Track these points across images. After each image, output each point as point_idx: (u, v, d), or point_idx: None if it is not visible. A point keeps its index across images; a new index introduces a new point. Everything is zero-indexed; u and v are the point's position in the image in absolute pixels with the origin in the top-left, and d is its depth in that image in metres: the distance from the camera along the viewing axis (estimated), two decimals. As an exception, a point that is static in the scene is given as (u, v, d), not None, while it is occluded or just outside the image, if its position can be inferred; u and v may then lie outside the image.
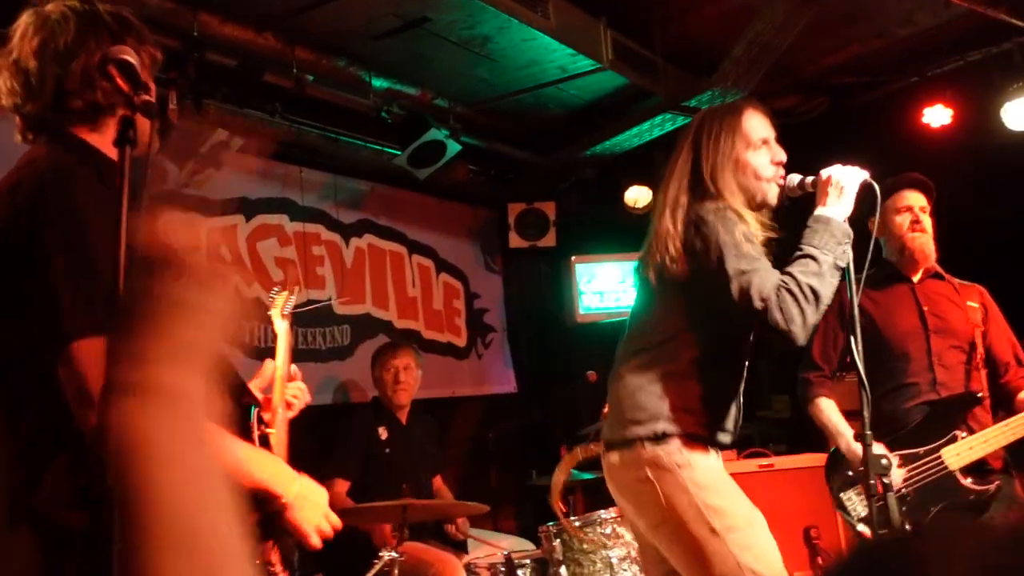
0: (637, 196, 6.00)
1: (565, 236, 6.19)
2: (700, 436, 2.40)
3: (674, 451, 2.36)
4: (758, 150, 2.51)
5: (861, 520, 3.14)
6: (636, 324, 2.57)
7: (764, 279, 2.30)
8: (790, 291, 2.27)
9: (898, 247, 3.32)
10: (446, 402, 5.83)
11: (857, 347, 2.37)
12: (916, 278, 3.36)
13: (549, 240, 6.09)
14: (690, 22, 4.86)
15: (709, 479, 2.38)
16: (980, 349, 3.29)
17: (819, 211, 2.41)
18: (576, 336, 6.16)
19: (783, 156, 2.55)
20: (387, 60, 4.77)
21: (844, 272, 2.39)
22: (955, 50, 5.14)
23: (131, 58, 1.47)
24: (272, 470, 1.77)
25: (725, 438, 2.48)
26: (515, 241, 6.09)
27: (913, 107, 5.42)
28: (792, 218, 2.53)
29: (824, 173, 2.44)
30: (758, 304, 2.27)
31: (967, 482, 3.13)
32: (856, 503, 3.18)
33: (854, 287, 2.38)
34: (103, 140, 1.68)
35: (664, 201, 2.51)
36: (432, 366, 5.65)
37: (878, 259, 3.37)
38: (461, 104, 5.36)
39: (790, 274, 2.31)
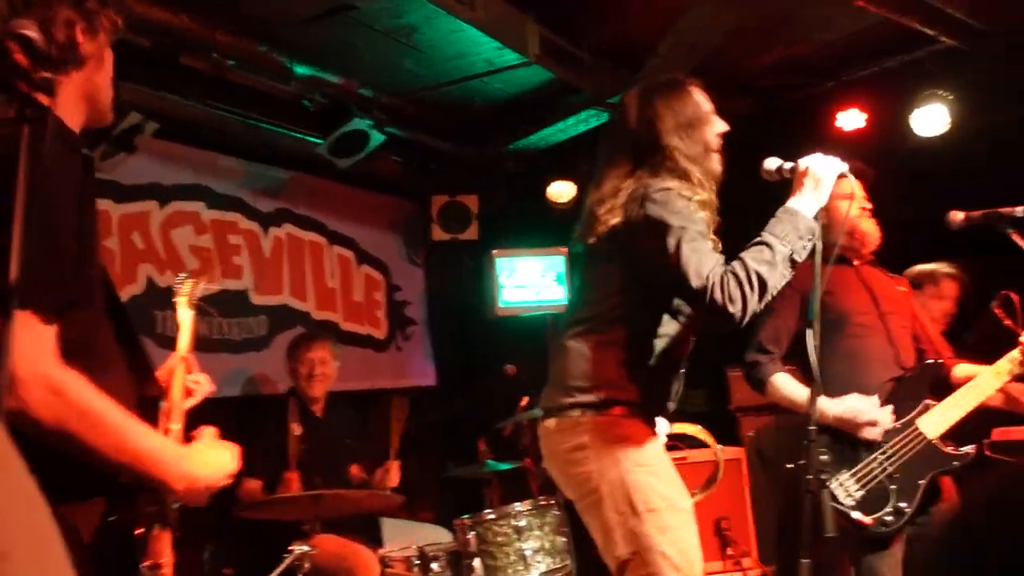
0: (560, 191, 6.02)
1: (488, 229, 6.18)
2: (641, 406, 2.41)
3: (614, 423, 2.37)
4: (705, 123, 2.53)
5: (853, 508, 3.06)
6: (580, 296, 2.59)
7: (704, 258, 2.29)
8: (736, 274, 2.27)
9: (847, 232, 3.33)
10: (365, 395, 5.77)
11: (815, 340, 2.37)
12: (857, 263, 3.42)
13: (472, 233, 6.07)
14: (618, 19, 4.88)
15: (643, 457, 2.38)
16: (917, 331, 3.41)
17: (790, 202, 2.42)
18: (497, 329, 6.16)
19: (725, 127, 2.57)
20: (310, 47, 4.67)
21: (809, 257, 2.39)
22: (872, 56, 5.27)
23: (31, 32, 1.40)
24: (158, 448, 1.66)
25: (663, 412, 2.52)
26: (438, 234, 6.05)
27: (829, 110, 5.55)
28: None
29: (802, 163, 2.45)
30: (696, 283, 2.27)
31: (948, 449, 3.18)
32: (850, 488, 3.08)
33: (818, 280, 2.38)
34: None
35: (606, 174, 2.51)
36: (351, 358, 5.58)
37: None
38: (386, 94, 5.29)
39: (741, 259, 2.31)
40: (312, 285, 5.65)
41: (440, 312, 6.50)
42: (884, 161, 3.99)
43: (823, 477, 2.27)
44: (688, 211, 2.35)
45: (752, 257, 2.30)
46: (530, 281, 5.93)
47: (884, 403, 3.16)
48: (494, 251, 6.00)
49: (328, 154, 5.10)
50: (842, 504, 3.05)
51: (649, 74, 4.75)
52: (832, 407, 3.11)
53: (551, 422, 2.46)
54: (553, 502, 3.97)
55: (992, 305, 3.40)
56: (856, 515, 3.02)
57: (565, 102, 5.42)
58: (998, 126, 5.54)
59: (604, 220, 2.44)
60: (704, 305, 2.29)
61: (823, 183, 2.41)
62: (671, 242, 2.29)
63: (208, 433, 1.89)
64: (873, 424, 3.09)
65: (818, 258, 2.39)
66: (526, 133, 5.70)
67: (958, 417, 3.17)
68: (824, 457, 2.31)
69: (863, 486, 3.06)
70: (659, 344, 2.45)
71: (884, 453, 3.11)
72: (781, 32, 4.99)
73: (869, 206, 3.37)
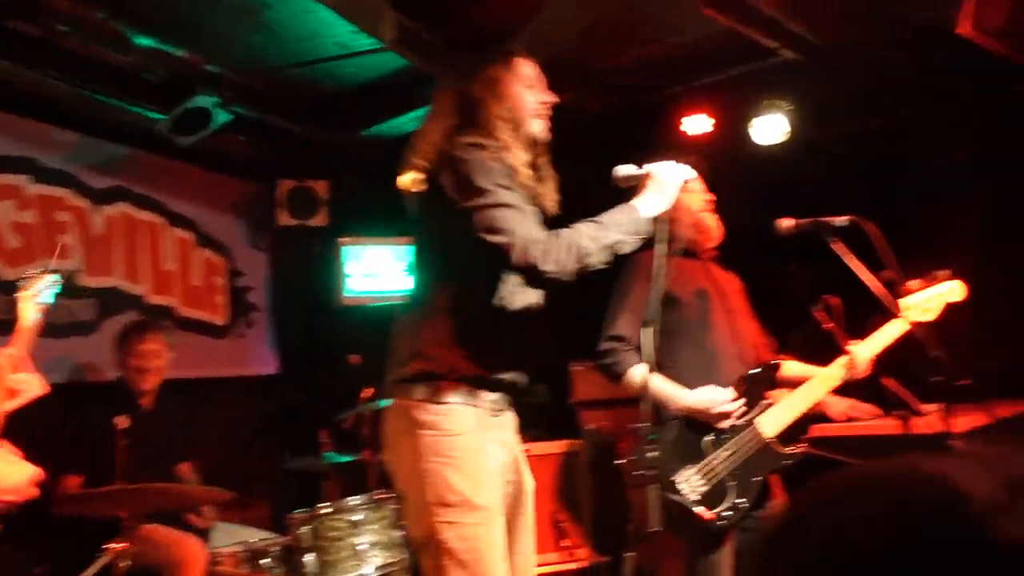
0: (412, 180, 5.94)
1: (338, 216, 6.03)
2: (466, 378, 2.37)
3: (422, 407, 2.33)
4: (529, 87, 2.56)
5: (697, 503, 3.11)
6: (415, 266, 2.60)
7: (512, 216, 2.30)
8: (560, 237, 2.30)
9: (692, 224, 3.43)
10: (201, 383, 5.54)
11: (653, 339, 2.41)
12: (703, 258, 3.51)
13: (320, 219, 5.92)
14: (476, 9, 4.85)
15: (446, 447, 2.33)
16: (754, 329, 3.54)
17: (634, 200, 2.46)
18: (343, 319, 6.04)
19: (552, 98, 2.60)
20: (153, 17, 4.43)
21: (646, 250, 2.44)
22: (719, 64, 5.43)
23: None
24: None
25: (497, 374, 2.43)
26: (284, 219, 5.87)
27: (678, 114, 5.70)
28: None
29: (647, 168, 2.50)
30: (501, 239, 2.27)
31: (783, 448, 3.29)
32: (695, 483, 3.13)
33: (658, 278, 2.42)
34: None
35: (427, 131, 2.54)
36: (187, 345, 5.35)
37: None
38: (234, 71, 5.07)
39: (574, 228, 2.34)
40: (147, 267, 5.38)
41: (285, 299, 6.32)
42: (726, 167, 4.12)
43: (654, 473, 2.30)
44: (497, 170, 2.35)
45: (584, 229, 2.34)
46: (378, 270, 5.84)
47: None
48: (341, 239, 5.87)
49: (169, 131, 4.86)
50: (686, 499, 3.12)
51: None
52: (688, 397, 3.19)
53: (387, 405, 2.47)
54: (391, 495, 3.91)
55: (814, 309, 3.56)
56: (699, 510, 3.10)
57: (421, 91, 5.34)
58: (831, 138, 5.84)
59: (420, 181, 2.47)
60: (512, 260, 2.29)
61: (667, 189, 2.46)
62: (479, 200, 2.30)
63: (3, 448, 1.74)
64: (727, 415, 3.18)
65: (660, 257, 2.43)
66: (380, 120, 5.59)
67: (792, 418, 3.31)
68: (653, 454, 2.34)
69: (707, 482, 3.15)
70: (491, 308, 2.42)
71: (727, 450, 3.20)
72: (635, 34, 5.08)
73: (712, 197, 3.47)
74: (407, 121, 5.55)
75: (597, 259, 2.33)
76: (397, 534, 3.89)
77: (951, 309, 3.52)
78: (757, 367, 3.35)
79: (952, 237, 5.50)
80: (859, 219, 3.01)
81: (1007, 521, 0.72)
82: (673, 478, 3.14)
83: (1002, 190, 5.92)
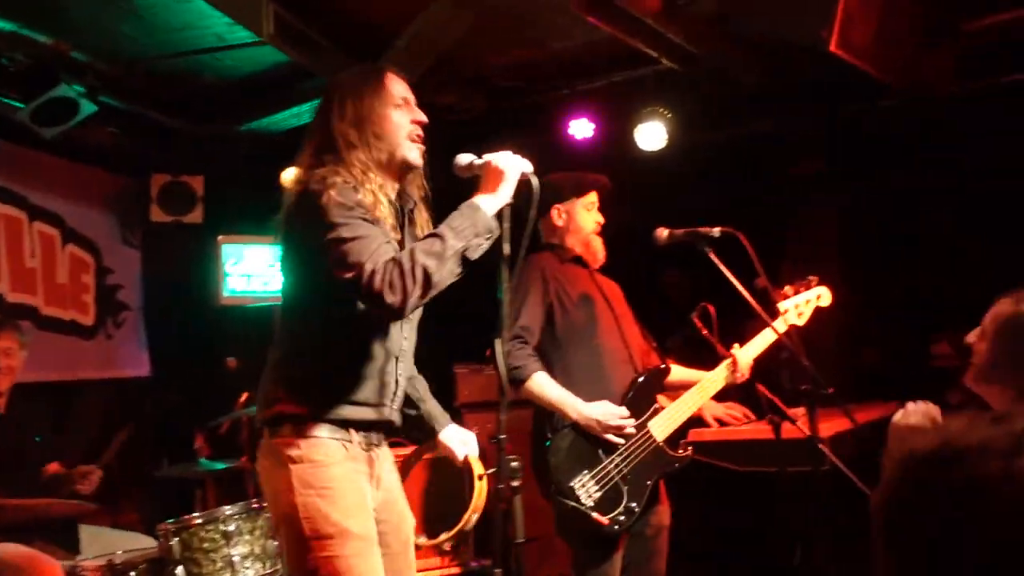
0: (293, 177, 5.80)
1: (215, 213, 5.83)
2: (327, 416, 2.30)
3: (291, 442, 2.28)
4: (399, 108, 2.46)
5: (592, 509, 3.12)
6: (281, 299, 2.51)
7: (363, 246, 2.21)
8: (400, 264, 2.20)
9: (583, 241, 3.50)
10: (67, 386, 5.28)
11: (502, 344, 2.35)
12: (591, 267, 3.55)
13: (196, 216, 5.71)
14: (359, 7, 4.76)
15: (319, 478, 2.28)
16: (640, 334, 3.59)
17: (475, 198, 2.35)
18: (220, 319, 5.85)
19: (423, 118, 2.50)
20: (12, 0, 4.19)
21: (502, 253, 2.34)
22: (602, 69, 5.49)
23: None
24: None
25: (365, 413, 2.37)
26: (157, 214, 5.63)
27: (561, 118, 5.74)
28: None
29: (487, 157, 2.40)
30: (350, 271, 2.19)
31: (672, 452, 3.35)
32: (590, 488, 3.15)
33: (505, 283, 2.33)
34: None
35: (297, 163, 2.45)
36: (51, 346, 5.09)
37: (537, 241, 3.52)
38: (103, 61, 4.85)
39: (411, 249, 2.24)
40: (6, 264, 5.07)
41: (158, 299, 6.07)
42: (609, 172, 4.17)
43: (517, 486, 2.30)
44: (356, 200, 2.27)
45: (422, 249, 2.23)
46: (258, 270, 5.67)
47: (622, 404, 3.30)
48: (220, 237, 5.68)
49: (30, 121, 4.60)
50: (582, 505, 3.14)
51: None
52: (584, 409, 3.20)
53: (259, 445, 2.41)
54: (267, 504, 3.80)
55: (691, 315, 3.63)
56: (595, 515, 3.12)
57: (301, 87, 5.23)
58: (706, 146, 6.00)
59: (281, 217, 2.40)
60: (362, 294, 2.21)
61: (507, 180, 2.36)
62: (330, 235, 2.22)
63: None
64: (618, 431, 3.21)
65: (505, 265, 2.34)
66: (259, 115, 5.45)
67: (681, 421, 3.38)
68: (514, 464, 2.34)
69: (601, 487, 3.17)
70: (345, 346, 2.36)
71: (620, 455, 3.24)
72: (519, 36, 5.09)
73: (602, 221, 3.51)
74: (287, 117, 5.42)
75: (447, 273, 2.25)
76: (273, 544, 3.78)
77: (816, 316, 3.65)
78: (646, 371, 3.40)
79: (814, 246, 5.73)
80: (731, 230, 3.08)
81: None
82: (570, 484, 3.15)
83: (859, 201, 6.21)
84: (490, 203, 2.33)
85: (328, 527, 2.25)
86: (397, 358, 2.45)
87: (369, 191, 2.32)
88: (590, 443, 3.23)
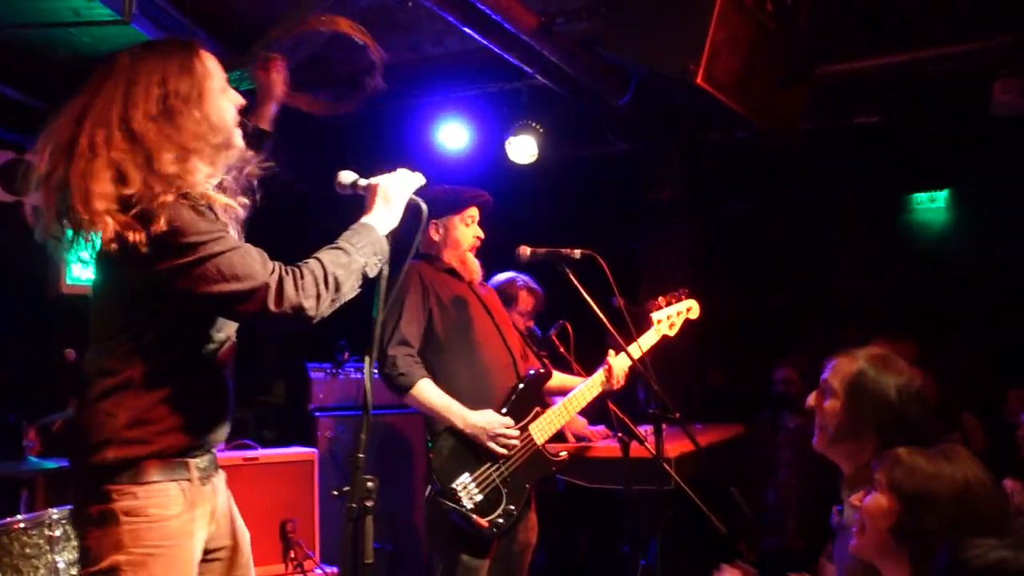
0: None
1: (63, 195, 5.51)
2: (167, 451, 2.08)
3: (124, 490, 2.03)
4: (224, 93, 2.20)
5: (473, 511, 3.13)
6: (95, 320, 2.17)
7: (246, 254, 2.01)
8: (313, 271, 2.06)
9: (459, 257, 3.50)
10: None
11: (379, 356, 2.32)
12: (468, 280, 3.55)
13: (40, 199, 5.37)
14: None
15: (153, 535, 2.05)
16: (522, 341, 3.62)
17: (365, 219, 2.24)
18: (60, 308, 5.53)
19: (241, 100, 2.26)
20: None
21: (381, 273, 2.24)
22: (477, 78, 5.51)
23: None
24: None
25: (204, 437, 2.17)
26: (-2, 194, 5.28)
27: (434, 124, 5.72)
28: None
29: (375, 180, 2.30)
30: (240, 286, 1.98)
31: (551, 456, 3.39)
32: (471, 491, 3.15)
33: (381, 303, 2.24)
34: None
35: (78, 153, 2.06)
36: None
37: (425, 254, 3.51)
38: (-59, 25, 4.52)
39: (318, 258, 2.10)
40: None
41: (-6, 282, 5.70)
42: (481, 182, 4.18)
43: (369, 504, 2.24)
44: (195, 206, 2.01)
45: (330, 259, 2.11)
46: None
47: (504, 409, 3.32)
48: (64, 221, 5.36)
49: None
50: (463, 507, 3.15)
51: (252, 59, 4.54)
52: (470, 418, 3.22)
53: (72, 487, 2.13)
54: (80, 557, 3.61)
55: (551, 333, 3.69)
56: (475, 518, 3.14)
57: (163, 71, 5.01)
58: (572, 164, 6.12)
59: (90, 225, 2.01)
60: (262, 308, 1.99)
61: (394, 203, 2.29)
62: (191, 255, 1.97)
63: None
64: (502, 441, 3.22)
65: (383, 281, 2.24)
66: (117, 97, 5.17)
67: (560, 424, 3.45)
68: (370, 484, 2.27)
69: (482, 490, 3.18)
70: (196, 367, 2.15)
71: (502, 458, 3.26)
72: (392, 37, 5.04)
73: (482, 236, 3.51)
74: (147, 101, 5.18)
75: (350, 288, 2.14)
76: (103, 550, 3.60)
77: (664, 339, 3.75)
78: (528, 376, 3.43)
79: (667, 268, 5.93)
80: (591, 252, 3.14)
81: None
82: (452, 486, 3.16)
83: (711, 227, 6.48)
84: (381, 223, 2.25)
85: None
86: (228, 374, 2.27)
87: (214, 197, 2.10)
88: (471, 446, 3.25)
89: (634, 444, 3.33)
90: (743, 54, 3.75)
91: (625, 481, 3.49)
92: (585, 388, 3.50)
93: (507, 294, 4.64)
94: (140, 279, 2.03)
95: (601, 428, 4.41)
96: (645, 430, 3.37)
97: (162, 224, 1.96)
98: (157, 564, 2.05)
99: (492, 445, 3.22)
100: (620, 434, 3.41)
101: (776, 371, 5.79)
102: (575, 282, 3.16)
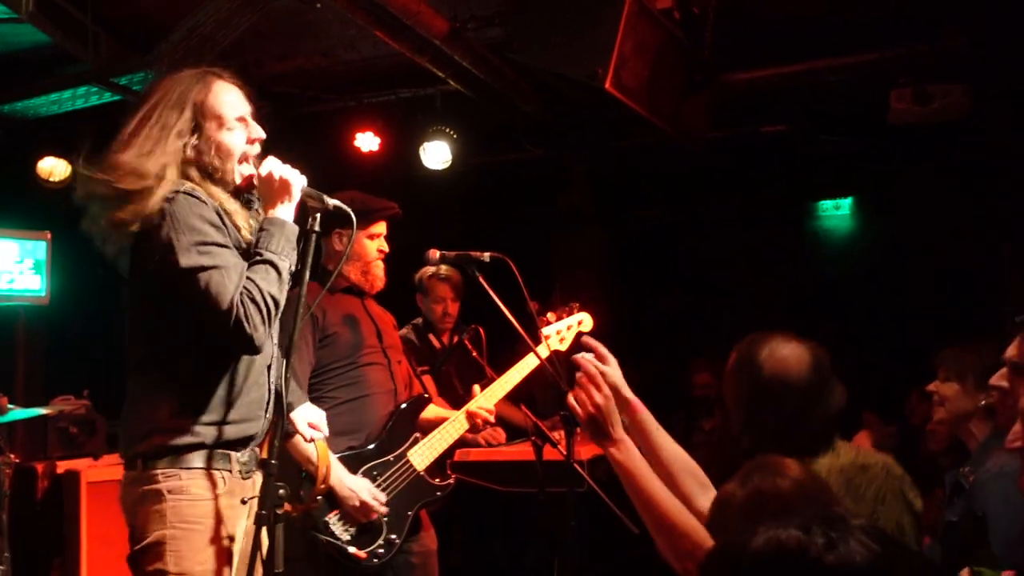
0: (52, 168, 5.38)
1: (-46, 201, 5.29)
2: (208, 443, 2.22)
3: (169, 473, 2.19)
4: (233, 129, 2.32)
5: (349, 543, 3.04)
6: (129, 327, 2.31)
7: (227, 277, 2.15)
8: (254, 300, 2.16)
9: (362, 270, 3.37)
10: None
11: (287, 370, 2.25)
12: (364, 296, 3.44)
13: (-68, 203, 5.16)
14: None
15: (195, 512, 2.19)
16: (405, 366, 3.53)
17: (276, 212, 2.28)
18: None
19: (261, 134, 2.37)
20: None
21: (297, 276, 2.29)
22: (390, 83, 5.48)
23: None
24: None
25: (245, 429, 2.29)
26: None
27: (347, 129, 5.68)
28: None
29: (267, 169, 2.29)
30: (223, 306, 2.13)
31: (434, 480, 3.32)
32: (346, 524, 3.07)
33: (301, 309, 2.24)
34: None
35: (118, 179, 2.20)
36: None
37: (318, 265, 3.39)
38: None
39: (252, 280, 2.18)
40: None
41: None
42: (394, 188, 4.15)
43: (282, 512, 2.20)
44: (208, 219, 2.20)
45: (262, 279, 2.20)
46: (2, 266, 5.18)
47: (381, 435, 3.25)
48: (-41, 227, 5.15)
49: None
50: (338, 539, 3.05)
51: (159, 58, 4.44)
52: (344, 477, 3.08)
53: (125, 474, 2.29)
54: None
55: (463, 337, 3.68)
56: (352, 550, 3.04)
57: (62, 72, 4.86)
58: (484, 169, 6.15)
59: (114, 240, 2.25)
60: (229, 332, 2.15)
61: (294, 190, 2.31)
62: (183, 263, 2.14)
63: None
64: (364, 512, 3.09)
65: (304, 284, 2.27)
66: (13, 98, 5.01)
67: (441, 450, 3.37)
68: (282, 492, 2.23)
69: (357, 521, 3.09)
70: (217, 372, 2.26)
71: (379, 487, 3.17)
72: (303, 42, 4.99)
73: (387, 249, 3.43)
74: (46, 103, 5.03)
75: (284, 296, 2.26)
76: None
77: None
78: (407, 401, 3.37)
79: (579, 272, 6.00)
80: (501, 255, 3.13)
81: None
82: (325, 519, 3.05)
83: (621, 232, 6.58)
84: (288, 212, 2.30)
85: (195, 565, 2.17)
86: (269, 366, 2.38)
87: (218, 207, 2.25)
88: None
89: (547, 447, 3.33)
90: (650, 61, 3.81)
91: (538, 484, 3.49)
92: (453, 423, 3.42)
93: (421, 287, 4.62)
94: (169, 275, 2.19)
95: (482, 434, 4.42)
96: (557, 435, 3.37)
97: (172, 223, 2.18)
98: (200, 539, 2.18)
99: (355, 513, 3.09)
100: (533, 437, 3.40)
101: (694, 375, 5.88)
102: (485, 285, 3.15)
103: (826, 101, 5.52)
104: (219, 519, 2.23)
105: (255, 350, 2.23)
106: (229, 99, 2.35)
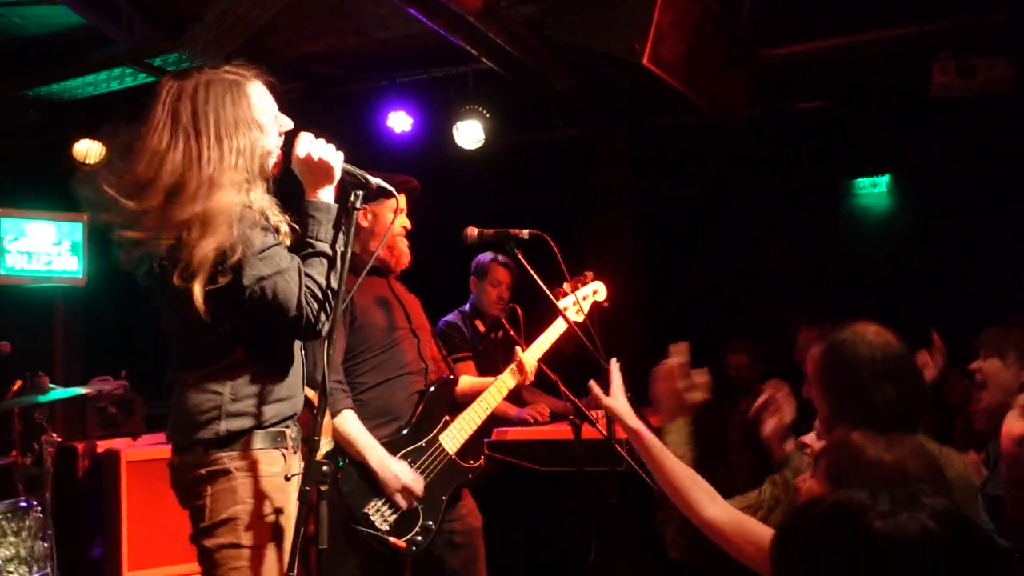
0: (88, 150, 5.41)
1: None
2: (269, 423, 2.28)
3: (233, 455, 2.24)
4: (269, 132, 2.31)
5: (388, 533, 3.03)
6: (178, 328, 2.31)
7: (291, 280, 2.20)
8: (316, 297, 2.24)
9: (388, 244, 3.31)
10: None
11: (330, 348, 2.25)
12: (390, 275, 3.40)
13: (-31, 185, 5.21)
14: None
15: (263, 487, 2.25)
16: (435, 347, 3.51)
17: (319, 195, 2.30)
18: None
19: (290, 124, 2.38)
20: None
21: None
22: (423, 62, 5.45)
23: None
24: None
25: (295, 405, 2.38)
26: (-75, 181, 5.11)
27: (380, 109, 5.66)
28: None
29: (303, 149, 2.27)
30: (292, 312, 2.19)
31: (467, 463, 3.29)
32: (385, 512, 3.05)
33: (341, 289, 2.29)
34: None
35: (157, 188, 2.18)
36: None
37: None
38: None
39: (311, 277, 2.24)
40: None
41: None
42: (427, 167, 4.13)
43: (324, 490, 2.20)
44: (261, 226, 2.22)
45: (319, 272, 2.26)
46: (40, 248, 5.23)
47: (411, 419, 3.22)
48: (-3, 209, 5.20)
49: None
50: (378, 530, 3.04)
51: (192, 39, 4.44)
52: (386, 462, 3.06)
53: (176, 459, 2.32)
54: (36, 504, 3.51)
55: (500, 316, 3.66)
56: (392, 540, 3.03)
57: (98, 54, 4.88)
58: (518, 148, 6.10)
59: (166, 251, 2.19)
60: (299, 332, 2.26)
61: (334, 167, 2.30)
62: (248, 274, 2.17)
63: None
64: (408, 495, 3.08)
65: (344, 266, 2.30)
66: (49, 80, 5.04)
67: (472, 430, 3.34)
68: (324, 468, 2.22)
69: (396, 509, 3.08)
70: (271, 361, 2.32)
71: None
72: (336, 21, 4.97)
73: (409, 226, 3.39)
74: (81, 85, 5.04)
75: (335, 280, 2.30)
76: (42, 546, 3.51)
77: (619, 316, 3.73)
78: (435, 384, 3.35)
79: (613, 251, 5.95)
80: (539, 232, 3.11)
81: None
82: (364, 510, 3.04)
83: (657, 210, 6.52)
84: (330, 193, 2.34)
85: (267, 539, 2.23)
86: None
87: (256, 207, 2.26)
88: None
89: (585, 426, 3.31)
90: (688, 36, 3.75)
91: (577, 463, 3.47)
92: (495, 388, 3.41)
93: (480, 270, 4.60)
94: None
95: (545, 408, 4.41)
96: (596, 413, 3.34)
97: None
98: (270, 514, 2.24)
99: (397, 497, 3.07)
100: (572, 416, 3.38)
101: (730, 356, 5.82)
102: (523, 262, 3.12)
103: (864, 76, 5.41)
104: (286, 492, 2.30)
105: (318, 337, 2.30)
106: (262, 103, 2.33)
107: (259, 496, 2.24)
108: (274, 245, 2.23)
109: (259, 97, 2.32)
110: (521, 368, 3.43)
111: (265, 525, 2.24)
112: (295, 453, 2.37)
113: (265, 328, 2.27)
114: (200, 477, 2.24)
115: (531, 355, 3.48)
